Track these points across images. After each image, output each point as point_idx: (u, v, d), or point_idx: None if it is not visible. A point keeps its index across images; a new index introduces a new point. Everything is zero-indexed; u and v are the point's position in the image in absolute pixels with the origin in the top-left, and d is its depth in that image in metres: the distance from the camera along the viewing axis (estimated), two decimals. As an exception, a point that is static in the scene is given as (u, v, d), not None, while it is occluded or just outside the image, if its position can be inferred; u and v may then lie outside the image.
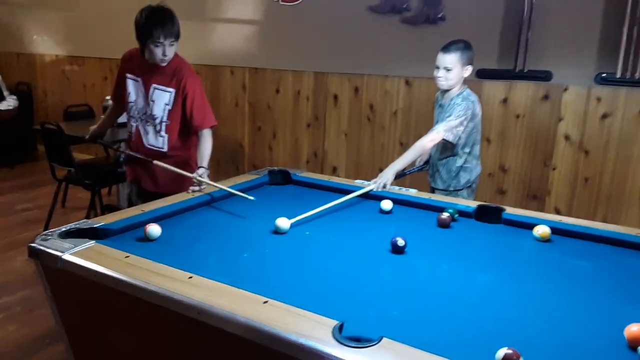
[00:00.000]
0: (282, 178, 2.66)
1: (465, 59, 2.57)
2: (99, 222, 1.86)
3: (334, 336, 1.17)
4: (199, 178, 2.33)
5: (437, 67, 2.60)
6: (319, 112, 4.43)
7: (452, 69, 2.55)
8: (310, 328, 1.21)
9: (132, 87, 2.62)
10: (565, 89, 3.39)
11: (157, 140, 2.63)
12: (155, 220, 1.92)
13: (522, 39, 3.41)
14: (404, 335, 1.18)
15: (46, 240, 1.65)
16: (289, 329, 1.20)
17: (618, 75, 3.18)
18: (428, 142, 2.56)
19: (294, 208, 2.09)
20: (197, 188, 2.31)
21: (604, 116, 3.30)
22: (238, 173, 2.88)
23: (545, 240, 1.94)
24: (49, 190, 4.57)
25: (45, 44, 6.27)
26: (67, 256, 1.56)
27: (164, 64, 2.51)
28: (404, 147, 4.02)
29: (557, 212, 3.46)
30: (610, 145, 3.31)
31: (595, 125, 3.33)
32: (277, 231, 1.93)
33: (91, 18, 5.72)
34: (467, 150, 2.64)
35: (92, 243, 1.65)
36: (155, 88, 2.56)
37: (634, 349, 1.22)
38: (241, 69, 4.79)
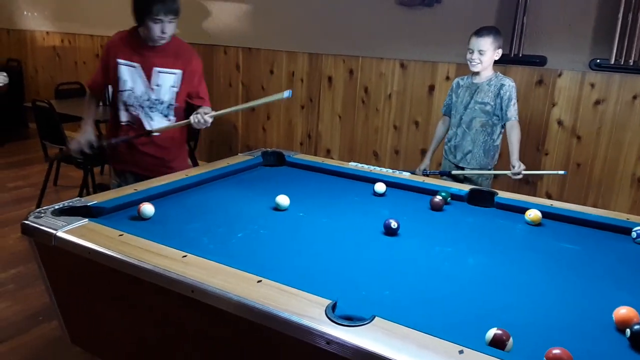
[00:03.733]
0: (275, 159, 2.66)
1: (497, 42, 2.75)
2: (92, 200, 1.85)
3: (327, 315, 1.19)
4: (206, 116, 2.39)
5: (471, 51, 2.75)
6: (313, 94, 4.41)
7: (485, 52, 2.71)
8: (303, 307, 1.22)
9: (127, 74, 2.45)
10: (560, 75, 3.39)
11: (164, 124, 2.53)
12: (148, 199, 1.91)
13: (517, 23, 3.40)
14: (396, 315, 1.19)
15: (39, 217, 1.65)
16: (282, 307, 1.21)
17: (612, 61, 3.19)
18: (519, 131, 2.77)
19: (287, 189, 2.09)
20: (206, 118, 2.38)
21: (597, 102, 3.32)
22: (231, 154, 2.88)
23: (536, 224, 1.97)
24: (40, 168, 4.55)
25: (35, 21, 6.17)
26: (60, 233, 1.56)
27: (162, 42, 2.41)
28: (398, 130, 4.03)
29: (549, 196, 3.49)
30: (603, 131, 3.33)
31: (589, 111, 3.35)
32: (278, 208, 1.97)
33: (82, -6, 5.63)
34: (501, 130, 2.87)
35: (85, 221, 1.65)
36: (159, 72, 2.44)
37: (622, 331, 1.25)
38: (235, 48, 4.74)
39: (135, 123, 2.53)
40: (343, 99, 4.28)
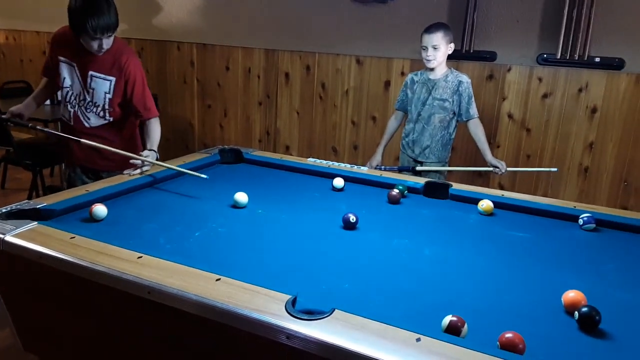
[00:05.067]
0: (233, 157, 2.63)
1: (448, 37, 2.80)
2: (41, 202, 1.79)
3: (287, 310, 1.19)
4: (144, 158, 2.23)
5: (425, 47, 2.80)
6: (271, 90, 4.39)
7: (439, 47, 2.76)
8: (263, 303, 1.22)
9: (67, 72, 2.41)
10: (509, 69, 3.50)
11: (102, 122, 2.47)
12: (100, 200, 1.86)
13: (468, 20, 3.48)
14: (355, 307, 1.21)
15: (-15, 222, 1.58)
16: (242, 305, 1.21)
17: (558, 56, 3.31)
18: (482, 128, 2.89)
19: (246, 187, 2.08)
20: (137, 171, 2.20)
21: (545, 95, 3.44)
22: (188, 152, 2.83)
23: (488, 214, 2.03)
24: (-15, 171, 4.34)
25: (-24, 16, 5.88)
26: (8, 238, 1.50)
27: (99, 54, 2.32)
28: (356, 125, 4.07)
29: (501, 187, 3.60)
30: (551, 124, 3.46)
31: (537, 104, 3.47)
32: (236, 205, 1.96)
33: (27, -11, 5.40)
34: (456, 124, 2.95)
35: (35, 224, 1.59)
36: (92, 76, 2.38)
37: (571, 314, 1.30)
38: (189, 44, 4.66)
39: (72, 119, 2.49)
40: (301, 95, 4.28)
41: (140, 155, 2.26)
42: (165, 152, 4.99)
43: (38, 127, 2.54)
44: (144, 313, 1.37)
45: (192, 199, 2.06)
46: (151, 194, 2.10)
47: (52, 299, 1.58)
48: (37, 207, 1.74)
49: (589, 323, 1.24)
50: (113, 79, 2.39)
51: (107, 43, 2.29)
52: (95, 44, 2.26)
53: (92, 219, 1.75)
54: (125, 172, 2.21)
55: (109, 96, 2.41)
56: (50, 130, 2.62)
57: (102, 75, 2.39)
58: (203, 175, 2.18)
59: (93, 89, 2.40)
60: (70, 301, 1.54)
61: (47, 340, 1.69)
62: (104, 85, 2.40)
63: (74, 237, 1.52)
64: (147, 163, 2.25)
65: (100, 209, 1.76)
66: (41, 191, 3.80)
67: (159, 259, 1.41)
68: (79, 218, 1.77)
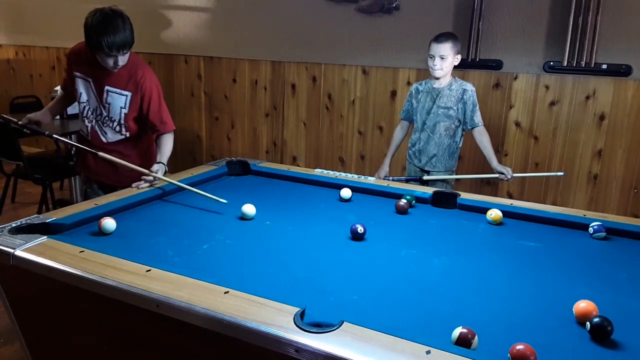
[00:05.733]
0: (241, 169, 2.64)
1: (456, 47, 2.81)
2: (50, 217, 1.80)
3: (295, 323, 1.18)
4: (154, 174, 2.24)
5: (432, 57, 2.80)
6: (277, 101, 4.41)
7: (446, 57, 2.76)
8: (271, 316, 1.21)
9: (83, 87, 2.44)
10: (515, 77, 3.50)
11: (117, 137, 2.50)
12: (109, 214, 1.87)
13: (473, 29, 3.49)
14: (364, 319, 1.20)
15: (-5, 236, 1.59)
16: (250, 317, 1.21)
17: (565, 63, 3.30)
18: (488, 135, 2.88)
19: (253, 198, 2.08)
20: (144, 185, 2.21)
21: (552, 103, 3.43)
22: (196, 164, 2.84)
23: (497, 223, 2.02)
24: (-4, 185, 4.37)
25: (-13, 33, 5.97)
26: (19, 252, 1.51)
27: (115, 71, 2.35)
28: (363, 135, 4.07)
29: (510, 196, 3.58)
30: (559, 131, 3.44)
31: (544, 112, 3.46)
32: (244, 217, 1.97)
33: (37, 5, 5.48)
34: (462, 133, 2.95)
35: (44, 238, 1.60)
36: (109, 91, 2.40)
37: (583, 325, 1.29)
38: (196, 57, 4.70)
39: (90, 134, 2.52)
40: (307, 106, 4.29)
41: (151, 170, 2.28)
42: (173, 164, 5.02)
43: (55, 135, 2.58)
44: (153, 326, 1.37)
45: (200, 212, 2.06)
46: (159, 206, 2.11)
47: (62, 314, 1.59)
48: (47, 221, 1.76)
49: (601, 333, 1.23)
50: (129, 94, 2.41)
51: (122, 60, 2.31)
52: (110, 61, 2.28)
53: (101, 232, 1.76)
54: (133, 185, 2.22)
55: (124, 111, 2.43)
56: (66, 140, 2.65)
57: (118, 91, 2.41)
58: (222, 200, 2.11)
59: (109, 104, 2.43)
60: (79, 315, 1.55)
61: (56, 354, 1.69)
62: (120, 100, 2.42)
63: (83, 251, 1.52)
64: (157, 178, 2.25)
65: (109, 223, 1.77)
66: (51, 205, 3.83)
67: (167, 272, 1.41)
68: (88, 232, 1.78)
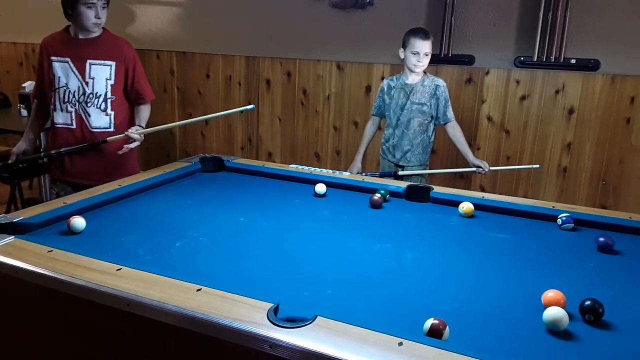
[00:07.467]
0: (214, 165, 2.62)
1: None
2: (18, 216, 1.75)
3: (269, 318, 1.18)
4: (134, 133, 2.42)
5: (416, 53, 2.79)
6: (252, 97, 4.39)
7: (429, 54, 2.81)
8: (245, 312, 1.21)
9: (61, 71, 2.45)
10: (487, 72, 3.55)
11: (102, 120, 2.50)
12: (79, 212, 1.84)
13: (445, 24, 3.52)
14: (338, 313, 1.20)
15: (-40, 237, 1.55)
16: (223, 314, 1.20)
17: (535, 58, 3.37)
18: (461, 129, 2.93)
19: (227, 195, 2.07)
20: (132, 145, 2.41)
21: (523, 97, 3.49)
22: (169, 161, 2.80)
23: (469, 216, 2.05)
24: (-38, 185, 4.24)
25: (-50, 28, 5.78)
26: (-17, 253, 1.47)
27: (96, 30, 2.42)
28: (338, 131, 4.08)
29: (482, 189, 3.64)
30: (529, 125, 3.50)
31: (515, 106, 3.52)
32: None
33: (4, 1, 5.33)
34: (434, 127, 2.99)
35: (11, 238, 1.56)
36: (91, 64, 2.43)
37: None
38: (168, 52, 4.64)
39: (74, 121, 2.48)
40: (282, 102, 4.28)
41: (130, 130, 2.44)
42: (146, 161, 4.95)
43: (52, 152, 2.52)
44: (124, 325, 1.35)
45: (173, 209, 2.04)
46: (131, 204, 2.07)
47: (30, 315, 1.55)
48: (14, 221, 1.71)
49: (596, 313, 1.29)
50: (113, 63, 2.46)
51: (102, 14, 2.38)
52: (91, 13, 2.34)
53: (71, 231, 1.72)
54: (124, 147, 2.43)
55: (110, 82, 2.46)
56: (64, 149, 2.51)
57: (101, 62, 2.44)
58: (249, 107, 2.44)
59: (93, 78, 2.43)
60: (49, 317, 1.51)
61: (22, 357, 1.65)
62: (104, 72, 2.44)
63: (51, 251, 1.49)
64: (140, 136, 2.45)
65: (79, 221, 1.73)
66: (20, 204, 3.74)
67: (138, 270, 1.40)
68: (57, 231, 1.74)
